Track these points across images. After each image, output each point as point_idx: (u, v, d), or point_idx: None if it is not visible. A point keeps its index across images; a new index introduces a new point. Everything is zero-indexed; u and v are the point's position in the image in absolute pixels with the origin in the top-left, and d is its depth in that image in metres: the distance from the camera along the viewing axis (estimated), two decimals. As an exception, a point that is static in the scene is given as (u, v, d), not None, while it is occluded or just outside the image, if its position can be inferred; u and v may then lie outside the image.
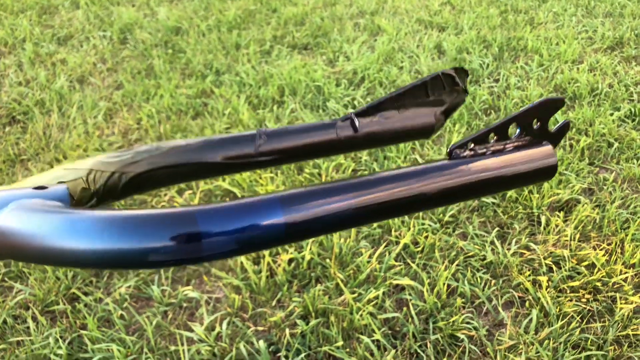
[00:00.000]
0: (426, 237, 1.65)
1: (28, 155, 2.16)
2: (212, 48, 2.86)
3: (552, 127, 0.42)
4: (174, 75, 2.62)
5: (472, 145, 0.39)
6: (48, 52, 2.88)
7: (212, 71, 2.66)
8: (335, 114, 2.29)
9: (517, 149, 0.40)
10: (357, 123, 0.45)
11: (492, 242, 1.65)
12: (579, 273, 1.55)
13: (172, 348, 1.41)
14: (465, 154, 0.39)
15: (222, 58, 2.77)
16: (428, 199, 0.37)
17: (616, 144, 2.05)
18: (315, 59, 2.75)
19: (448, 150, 0.39)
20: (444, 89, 0.47)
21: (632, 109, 2.23)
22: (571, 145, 2.06)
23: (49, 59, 2.82)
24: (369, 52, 2.77)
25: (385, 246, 1.63)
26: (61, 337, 1.43)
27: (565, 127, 0.43)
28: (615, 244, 1.63)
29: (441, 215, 1.73)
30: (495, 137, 0.40)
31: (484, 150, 0.39)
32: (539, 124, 0.42)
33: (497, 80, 2.52)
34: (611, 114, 2.22)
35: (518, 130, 0.41)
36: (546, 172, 0.42)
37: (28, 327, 1.45)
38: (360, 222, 0.35)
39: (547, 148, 0.41)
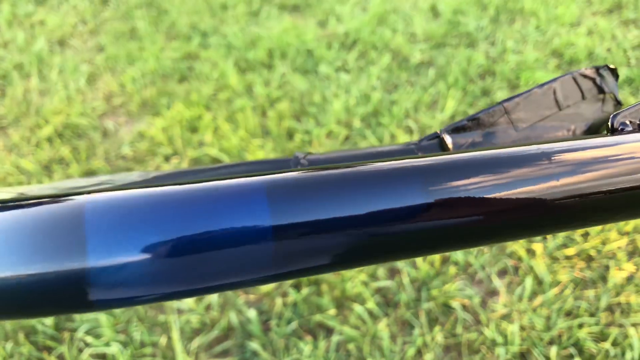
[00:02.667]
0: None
1: (8, 120, 2.08)
2: (198, 9, 2.75)
3: None
4: (158, 38, 2.52)
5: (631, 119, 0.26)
6: (26, 13, 2.75)
7: (198, 33, 2.56)
8: (327, 78, 2.22)
9: None
10: (447, 139, 0.31)
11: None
12: (573, 241, 1.53)
13: (162, 317, 1.38)
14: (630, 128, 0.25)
15: (209, 19, 2.66)
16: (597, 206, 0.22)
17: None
18: (306, 21, 2.66)
19: (609, 121, 0.26)
20: (582, 98, 0.33)
21: (630, 74, 2.19)
22: None
23: (27, 20, 2.70)
24: (361, 14, 2.68)
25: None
26: (47, 307, 1.40)
27: None
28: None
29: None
30: None
31: None
32: None
33: (493, 44, 2.46)
34: (608, 79, 2.17)
35: None
36: None
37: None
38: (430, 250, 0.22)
39: None
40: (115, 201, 0.18)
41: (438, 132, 0.32)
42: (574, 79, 0.32)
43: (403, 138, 1.86)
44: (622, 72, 2.20)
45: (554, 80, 0.31)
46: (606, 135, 0.24)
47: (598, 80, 0.33)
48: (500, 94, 2.07)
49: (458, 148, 0.30)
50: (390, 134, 1.90)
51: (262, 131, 1.96)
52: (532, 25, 2.55)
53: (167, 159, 1.88)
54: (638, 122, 0.26)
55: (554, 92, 0.31)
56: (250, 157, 1.80)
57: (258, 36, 2.49)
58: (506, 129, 0.31)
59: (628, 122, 0.25)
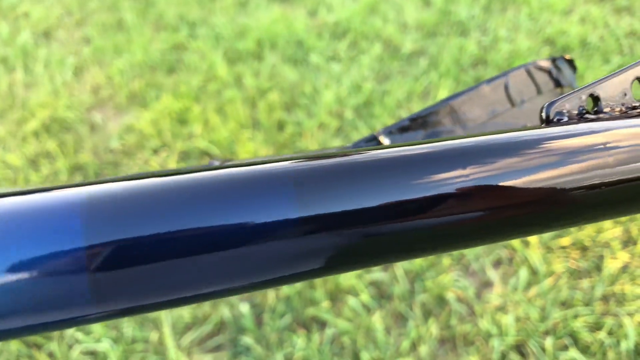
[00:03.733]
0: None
1: (-8, 115, 2.03)
2: (187, -1, 2.71)
3: None
4: (146, 29, 2.48)
5: (567, 108, 0.23)
6: (10, 5, 2.69)
7: (186, 24, 2.52)
8: (318, 68, 2.19)
9: None
10: (385, 141, 0.27)
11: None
12: (567, 231, 1.52)
13: (153, 313, 1.36)
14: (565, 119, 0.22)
15: (197, 10, 2.62)
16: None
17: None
18: (295, 10, 2.62)
19: (542, 111, 0.23)
20: (538, 93, 0.30)
21: (622, 62, 2.18)
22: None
23: (11, 12, 2.64)
24: (352, 3, 2.64)
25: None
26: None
27: None
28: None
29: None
30: (594, 103, 0.24)
31: (594, 116, 0.23)
32: None
33: (485, 33, 2.44)
34: (601, 67, 2.16)
35: None
36: None
37: None
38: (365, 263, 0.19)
39: None
40: None
41: (375, 133, 0.29)
42: (528, 72, 0.29)
43: (395, 128, 1.84)
44: (615, 60, 2.19)
45: (505, 74, 0.29)
46: (539, 127, 0.21)
47: (554, 72, 0.30)
48: (493, 83, 2.05)
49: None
50: (382, 124, 1.88)
51: (252, 123, 1.94)
52: (524, 13, 2.53)
53: (156, 151, 1.85)
54: (576, 112, 0.23)
55: (506, 88, 0.29)
56: (240, 149, 1.78)
57: (247, 26, 2.45)
58: (453, 128, 0.28)
59: (565, 112, 0.23)
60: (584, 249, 1.48)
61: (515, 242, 1.46)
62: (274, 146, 1.81)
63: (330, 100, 1.97)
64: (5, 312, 0.14)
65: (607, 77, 0.24)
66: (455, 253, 1.46)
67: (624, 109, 0.23)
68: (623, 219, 1.53)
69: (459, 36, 2.39)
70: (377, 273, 1.42)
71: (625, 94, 0.23)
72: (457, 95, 0.28)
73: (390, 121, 1.88)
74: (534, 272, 1.42)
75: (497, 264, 1.46)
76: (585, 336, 1.27)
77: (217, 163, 0.28)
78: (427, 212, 0.17)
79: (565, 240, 1.48)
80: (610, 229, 1.51)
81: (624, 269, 1.43)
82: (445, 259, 1.44)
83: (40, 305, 0.14)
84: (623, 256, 1.44)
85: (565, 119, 0.22)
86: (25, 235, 0.14)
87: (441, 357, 1.27)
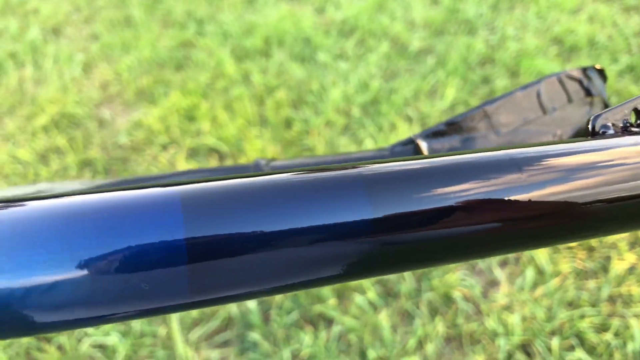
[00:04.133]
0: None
1: (3, 110, 2.05)
2: (195, -4, 2.72)
3: None
4: (154, 26, 2.49)
5: (612, 121, 0.24)
6: (19, 1, 2.71)
7: (195, 21, 2.53)
8: (325, 66, 2.20)
9: None
10: (422, 145, 0.28)
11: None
12: (573, 230, 1.53)
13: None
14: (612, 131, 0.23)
15: (204, 7, 2.63)
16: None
17: (614, 98, 2.00)
18: (303, 8, 2.62)
19: (589, 124, 0.23)
20: (569, 101, 0.30)
21: (631, 62, 2.17)
22: None
23: (20, 8, 2.66)
24: (359, 0, 2.64)
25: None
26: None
27: None
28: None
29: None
30: (637, 117, 0.24)
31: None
32: None
33: (493, 31, 2.43)
34: (609, 66, 2.15)
35: None
36: None
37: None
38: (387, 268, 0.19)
39: None
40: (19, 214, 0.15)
41: (412, 136, 0.29)
42: (559, 81, 0.30)
43: (403, 127, 1.84)
44: (623, 60, 2.19)
45: (538, 81, 0.29)
46: (587, 140, 0.22)
47: (585, 82, 0.30)
48: (500, 82, 2.05)
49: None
50: (389, 122, 1.88)
51: (259, 120, 1.94)
52: (532, 12, 2.52)
53: (164, 147, 1.86)
54: (621, 125, 0.23)
55: (538, 95, 0.29)
56: (248, 146, 1.78)
57: (254, 24, 2.46)
58: (487, 134, 0.28)
59: (610, 125, 0.23)
60: (590, 249, 1.48)
61: (522, 242, 1.47)
62: (281, 143, 1.82)
63: (337, 98, 1.98)
64: (112, 298, 0.15)
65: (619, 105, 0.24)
66: (462, 252, 1.47)
67: None
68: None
69: (467, 34, 2.39)
70: (383, 271, 1.42)
71: None
72: (492, 101, 0.28)
73: (397, 120, 1.88)
74: (540, 272, 1.42)
75: (504, 263, 1.47)
76: (592, 337, 1.27)
77: (263, 162, 0.29)
78: (478, 219, 0.18)
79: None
80: (617, 230, 1.51)
81: (631, 270, 1.43)
82: (452, 258, 1.44)
83: (143, 293, 0.16)
84: (630, 257, 1.44)
85: (611, 131, 0.23)
86: (131, 228, 0.16)
87: (447, 355, 1.28)
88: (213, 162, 1.77)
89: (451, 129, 0.28)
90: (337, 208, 0.17)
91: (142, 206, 0.16)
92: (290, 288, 0.18)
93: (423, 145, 0.29)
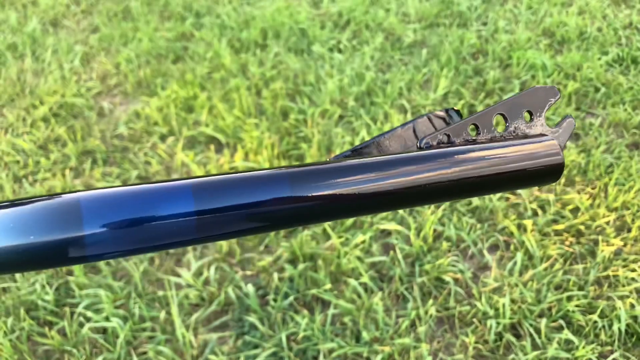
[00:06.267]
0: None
1: (3, 101, 2.07)
2: (192, -11, 2.74)
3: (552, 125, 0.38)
4: (152, 18, 2.51)
5: (448, 138, 0.36)
6: (17, -7, 2.72)
7: (192, 13, 2.55)
8: (321, 58, 2.23)
9: (506, 140, 0.36)
10: None
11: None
12: (563, 217, 1.57)
13: (160, 293, 1.41)
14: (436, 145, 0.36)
15: (202, -1, 2.65)
16: (397, 197, 0.32)
17: (603, 89, 2.04)
18: (299, 0, 2.65)
19: (418, 142, 0.36)
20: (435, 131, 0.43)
21: (620, 53, 2.21)
22: (558, 90, 2.04)
23: (19, 0, 2.67)
24: (355, -6, 2.67)
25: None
26: (48, 283, 1.42)
27: (569, 125, 0.39)
28: (599, 188, 1.65)
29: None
30: (476, 132, 0.36)
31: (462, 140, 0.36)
32: (532, 117, 0.38)
33: (485, 24, 2.47)
34: (599, 59, 2.19)
35: (507, 125, 0.37)
36: (549, 171, 0.36)
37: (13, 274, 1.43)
38: (297, 222, 0.31)
39: (550, 143, 0.36)
40: (102, 196, 0.27)
41: (328, 160, 0.42)
42: (429, 119, 0.42)
43: (397, 117, 1.88)
44: (613, 51, 2.23)
45: (413, 121, 0.42)
46: (409, 151, 0.35)
47: (447, 119, 0.42)
48: (492, 74, 2.08)
49: None
50: (384, 113, 1.92)
51: (257, 110, 1.98)
52: (524, 4, 2.56)
53: (162, 138, 1.89)
54: (435, 144, 0.36)
55: (414, 129, 0.41)
56: (245, 136, 1.82)
57: (252, 16, 2.48)
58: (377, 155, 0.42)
59: (430, 143, 0.36)
60: (579, 234, 1.52)
61: (513, 228, 1.51)
62: (278, 133, 1.85)
63: (333, 89, 2.01)
64: (146, 237, 0.27)
65: (455, 124, 0.37)
66: (454, 238, 1.50)
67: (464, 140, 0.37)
68: (617, 205, 1.58)
69: (460, 27, 2.42)
70: (377, 256, 1.46)
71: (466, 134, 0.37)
72: (381, 135, 0.41)
73: (391, 110, 1.92)
74: (530, 256, 1.46)
75: (494, 248, 1.51)
76: (579, 318, 1.32)
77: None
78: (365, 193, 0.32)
79: (561, 226, 1.52)
80: (605, 216, 1.55)
81: (618, 254, 1.47)
82: (444, 244, 1.48)
83: (165, 233, 0.28)
84: (617, 242, 1.49)
85: (429, 146, 0.36)
86: (160, 203, 0.28)
87: (439, 336, 1.32)
88: (211, 152, 1.80)
89: (355, 154, 0.40)
90: (269, 187, 0.30)
91: (171, 188, 0.28)
92: (251, 232, 0.30)
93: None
